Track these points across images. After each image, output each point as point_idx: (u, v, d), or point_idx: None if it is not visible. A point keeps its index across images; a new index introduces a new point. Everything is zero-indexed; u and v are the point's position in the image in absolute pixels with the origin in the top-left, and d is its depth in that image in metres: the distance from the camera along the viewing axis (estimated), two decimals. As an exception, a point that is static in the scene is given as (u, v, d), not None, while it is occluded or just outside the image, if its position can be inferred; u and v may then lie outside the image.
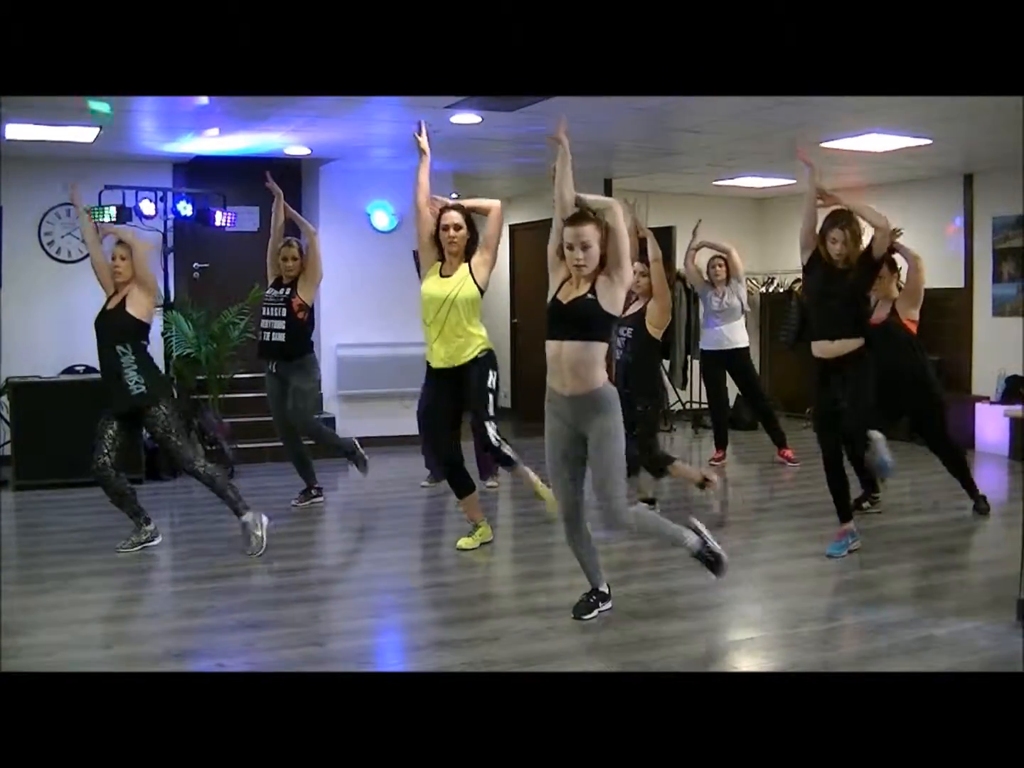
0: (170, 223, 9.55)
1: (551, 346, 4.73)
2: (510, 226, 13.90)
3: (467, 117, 7.80)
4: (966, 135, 8.69)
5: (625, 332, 7.08)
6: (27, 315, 9.27)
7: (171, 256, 9.61)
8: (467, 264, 6.17)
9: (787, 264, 12.76)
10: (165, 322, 9.20)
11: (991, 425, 10.11)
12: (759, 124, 8.05)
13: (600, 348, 4.69)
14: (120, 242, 6.28)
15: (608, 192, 11.73)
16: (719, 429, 9.55)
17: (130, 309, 6.16)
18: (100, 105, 6.96)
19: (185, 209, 9.28)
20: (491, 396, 6.17)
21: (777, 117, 7.72)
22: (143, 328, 6.24)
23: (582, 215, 4.65)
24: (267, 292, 7.60)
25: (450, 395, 6.28)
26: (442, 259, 6.24)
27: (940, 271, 11.20)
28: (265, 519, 6.29)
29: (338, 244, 10.28)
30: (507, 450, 6.20)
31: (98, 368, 9.10)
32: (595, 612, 5.02)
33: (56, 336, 8.80)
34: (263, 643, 4.65)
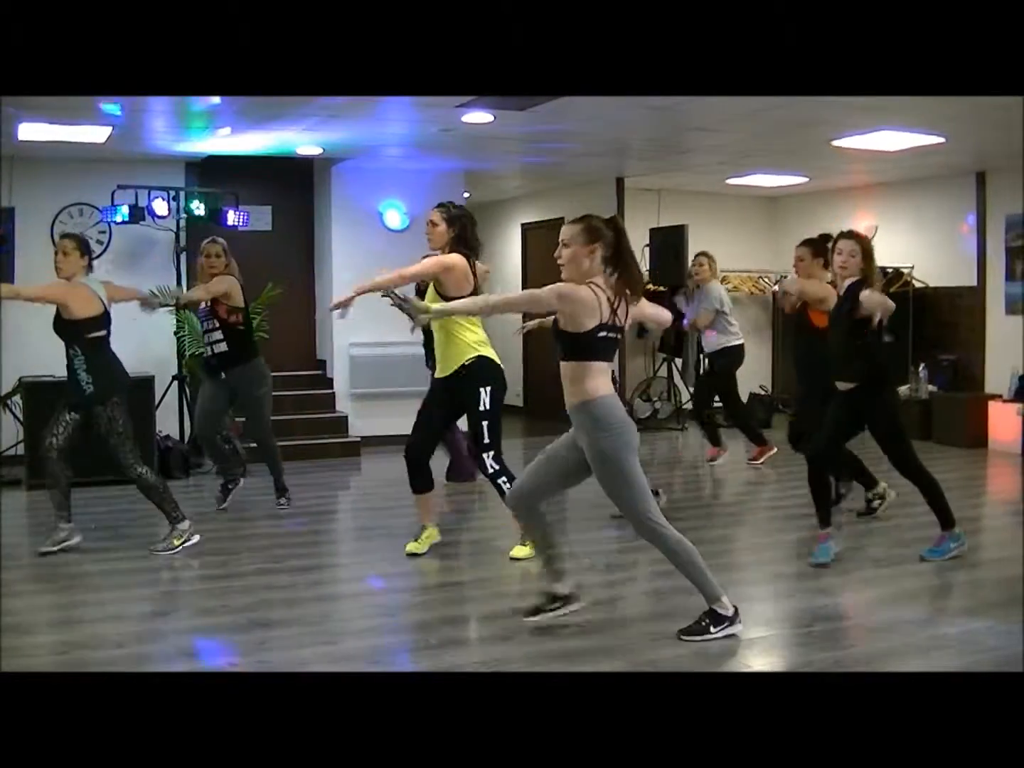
0: (183, 222, 9.57)
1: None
2: (521, 225, 13.90)
3: (479, 116, 7.80)
4: (979, 133, 8.66)
5: None
6: (40, 314, 9.27)
7: (184, 256, 9.62)
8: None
9: (799, 262, 12.72)
10: (177, 321, 9.23)
11: (1004, 423, 10.07)
12: (771, 122, 8.04)
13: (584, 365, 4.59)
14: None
15: (620, 191, 11.74)
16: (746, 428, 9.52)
17: (65, 315, 6.39)
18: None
19: (198, 208, 9.30)
20: (484, 423, 5.95)
21: (788, 115, 7.71)
22: (83, 328, 6.36)
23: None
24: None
25: (443, 402, 6.21)
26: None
27: (953, 269, 11.21)
28: (196, 538, 6.28)
29: (350, 243, 10.31)
30: (504, 485, 5.79)
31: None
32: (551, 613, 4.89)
33: (70, 335, 8.78)
34: (276, 642, 4.66)
